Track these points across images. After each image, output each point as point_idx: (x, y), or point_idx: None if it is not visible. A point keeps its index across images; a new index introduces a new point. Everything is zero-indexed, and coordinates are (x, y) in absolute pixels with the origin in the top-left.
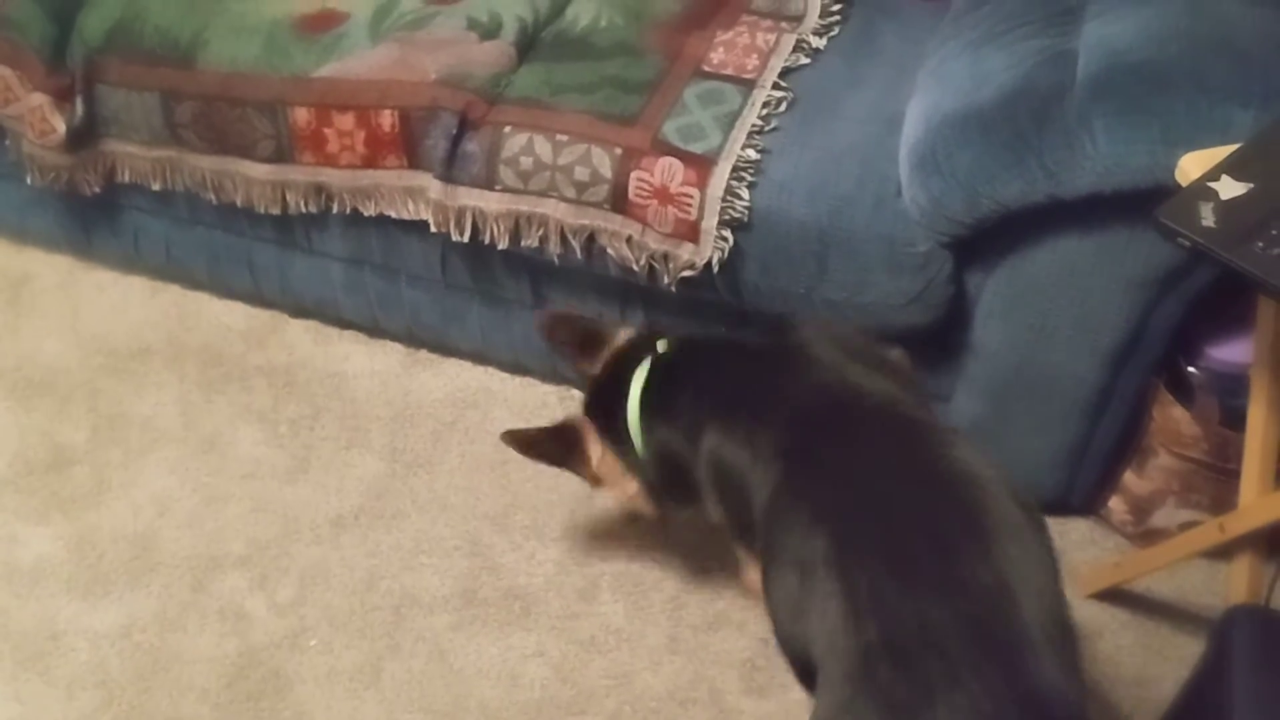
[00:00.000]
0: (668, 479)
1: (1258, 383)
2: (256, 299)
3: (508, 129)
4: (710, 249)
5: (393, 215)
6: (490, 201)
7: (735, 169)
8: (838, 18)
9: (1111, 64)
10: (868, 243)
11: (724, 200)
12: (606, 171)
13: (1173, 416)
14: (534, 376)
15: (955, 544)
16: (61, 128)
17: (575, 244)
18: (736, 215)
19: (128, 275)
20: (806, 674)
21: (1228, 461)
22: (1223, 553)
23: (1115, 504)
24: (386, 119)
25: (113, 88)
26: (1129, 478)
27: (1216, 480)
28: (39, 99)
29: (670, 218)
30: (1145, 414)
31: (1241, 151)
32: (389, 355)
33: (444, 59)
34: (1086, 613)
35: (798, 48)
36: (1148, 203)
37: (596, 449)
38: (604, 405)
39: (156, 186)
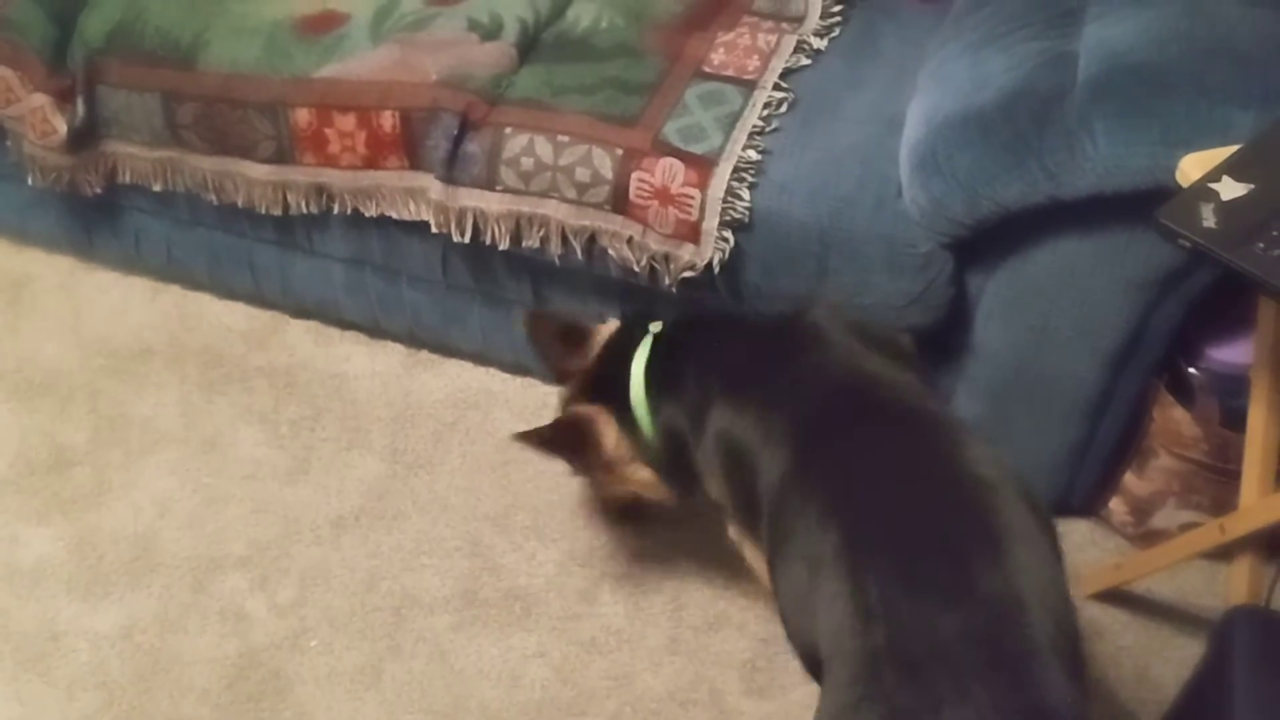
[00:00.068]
0: (675, 456)
1: (1258, 384)
2: (257, 300)
3: (509, 130)
4: (711, 250)
5: (394, 216)
6: (491, 202)
7: (736, 170)
8: (838, 19)
9: (1112, 66)
10: (868, 243)
11: (725, 201)
12: (607, 172)
13: (1173, 417)
14: (535, 377)
15: (967, 550)
16: (63, 128)
17: (576, 245)
18: (737, 216)
19: (129, 276)
20: (814, 665)
21: (1228, 462)
22: (1223, 554)
23: (1116, 505)
24: (387, 120)
25: (114, 89)
26: (1129, 479)
27: (1217, 481)
28: (40, 100)
29: (671, 218)
30: (1146, 415)
31: (1242, 153)
32: (390, 356)
33: (445, 60)
34: (1087, 614)
35: (799, 49)
36: (1148, 204)
37: (611, 434)
38: (604, 393)
39: (157, 187)
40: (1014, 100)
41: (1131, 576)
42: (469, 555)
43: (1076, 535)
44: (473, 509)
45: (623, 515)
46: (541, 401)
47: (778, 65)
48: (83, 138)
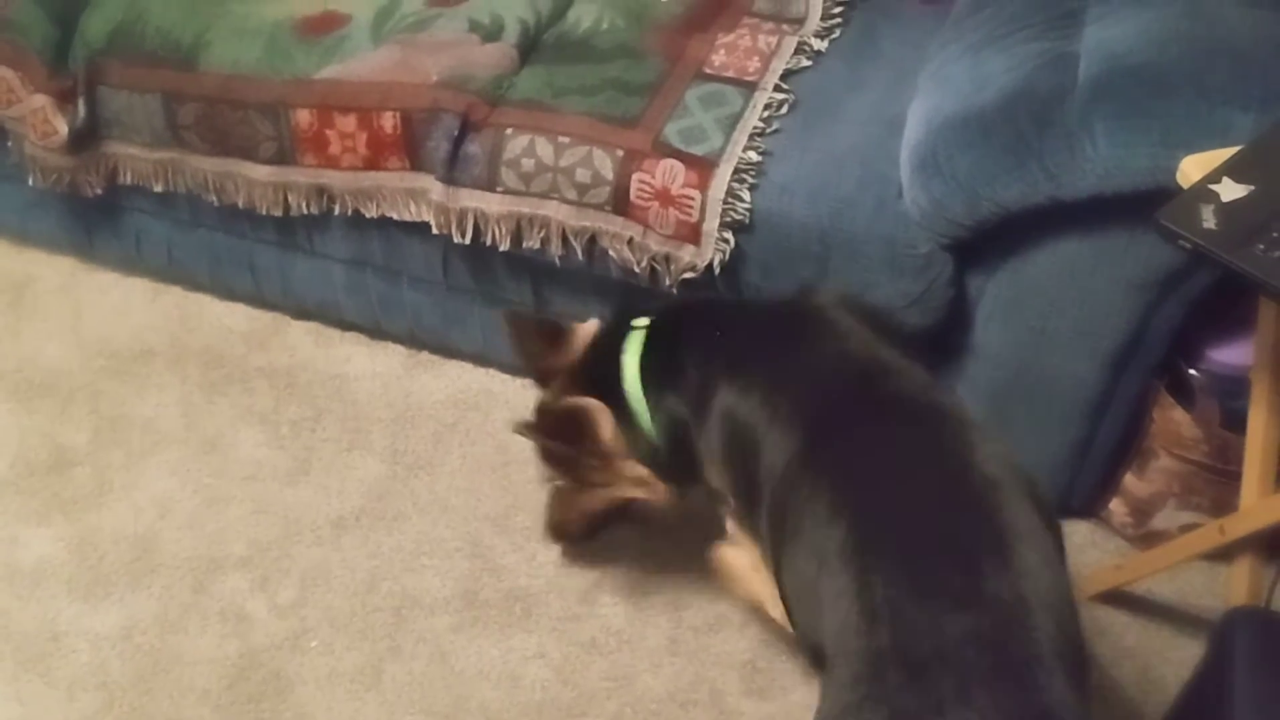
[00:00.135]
0: (677, 445)
1: (1258, 385)
2: (258, 301)
3: (509, 131)
4: (711, 251)
5: (394, 217)
6: (492, 203)
7: (736, 171)
8: (839, 20)
9: (1112, 67)
10: (869, 245)
11: (725, 202)
12: (608, 173)
13: (1173, 419)
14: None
15: (975, 552)
16: (63, 129)
17: (577, 246)
18: (738, 217)
19: (129, 277)
20: (818, 658)
21: (1228, 464)
22: (1223, 555)
23: (1116, 506)
24: (388, 121)
25: (115, 89)
26: (1129, 480)
27: (1217, 482)
28: (41, 101)
29: (671, 219)
30: (1146, 416)
31: (1242, 154)
32: (390, 357)
33: (446, 61)
34: (1088, 615)
35: (799, 50)
36: (1148, 205)
37: (609, 425)
38: (592, 389)
39: (158, 188)
40: (1014, 101)
41: (1132, 577)
42: (469, 556)
43: (1077, 536)
44: (473, 510)
45: (586, 534)
46: None
47: (778, 66)
48: (84, 139)
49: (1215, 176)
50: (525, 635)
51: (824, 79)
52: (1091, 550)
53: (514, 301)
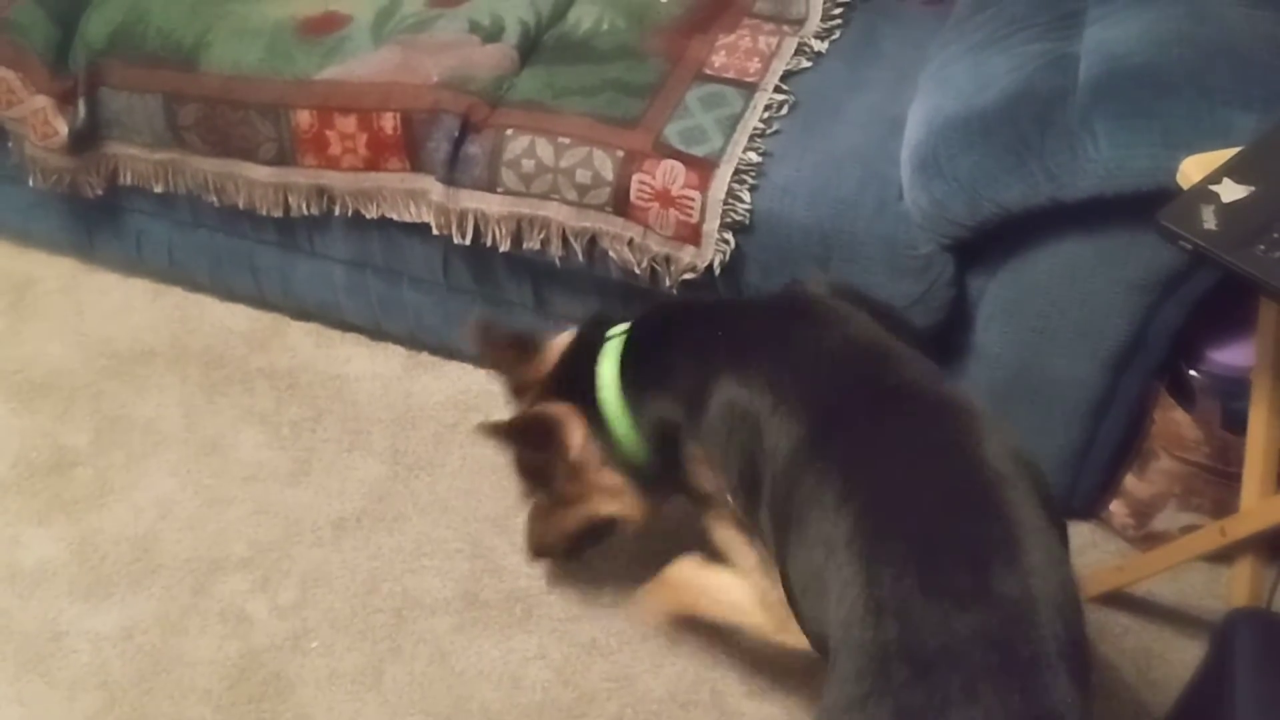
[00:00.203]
0: (662, 451)
1: (1259, 386)
2: (259, 302)
3: (510, 132)
4: (712, 251)
5: (395, 218)
6: (492, 204)
7: (737, 172)
8: (839, 21)
9: (1113, 68)
10: (869, 245)
11: (725, 203)
12: (608, 174)
13: (1174, 420)
14: None
15: (985, 549)
16: (64, 130)
17: (577, 246)
18: (738, 218)
19: (130, 278)
20: (822, 648)
21: (1229, 465)
22: (1224, 556)
23: (1116, 507)
24: (389, 122)
25: (115, 90)
26: (1130, 481)
27: (1218, 483)
28: (42, 101)
29: (672, 220)
30: (1146, 417)
31: (1243, 155)
32: (391, 358)
33: (446, 62)
34: (1089, 616)
35: (799, 51)
36: (1149, 206)
37: (579, 433)
38: (567, 398)
39: (159, 189)
40: (1015, 102)
41: (1133, 579)
42: (470, 557)
43: (1078, 538)
44: (474, 510)
45: (568, 552)
46: None
47: (779, 67)
48: (84, 139)
49: (1216, 177)
50: (526, 636)
51: (824, 80)
52: (1092, 551)
53: (514, 303)
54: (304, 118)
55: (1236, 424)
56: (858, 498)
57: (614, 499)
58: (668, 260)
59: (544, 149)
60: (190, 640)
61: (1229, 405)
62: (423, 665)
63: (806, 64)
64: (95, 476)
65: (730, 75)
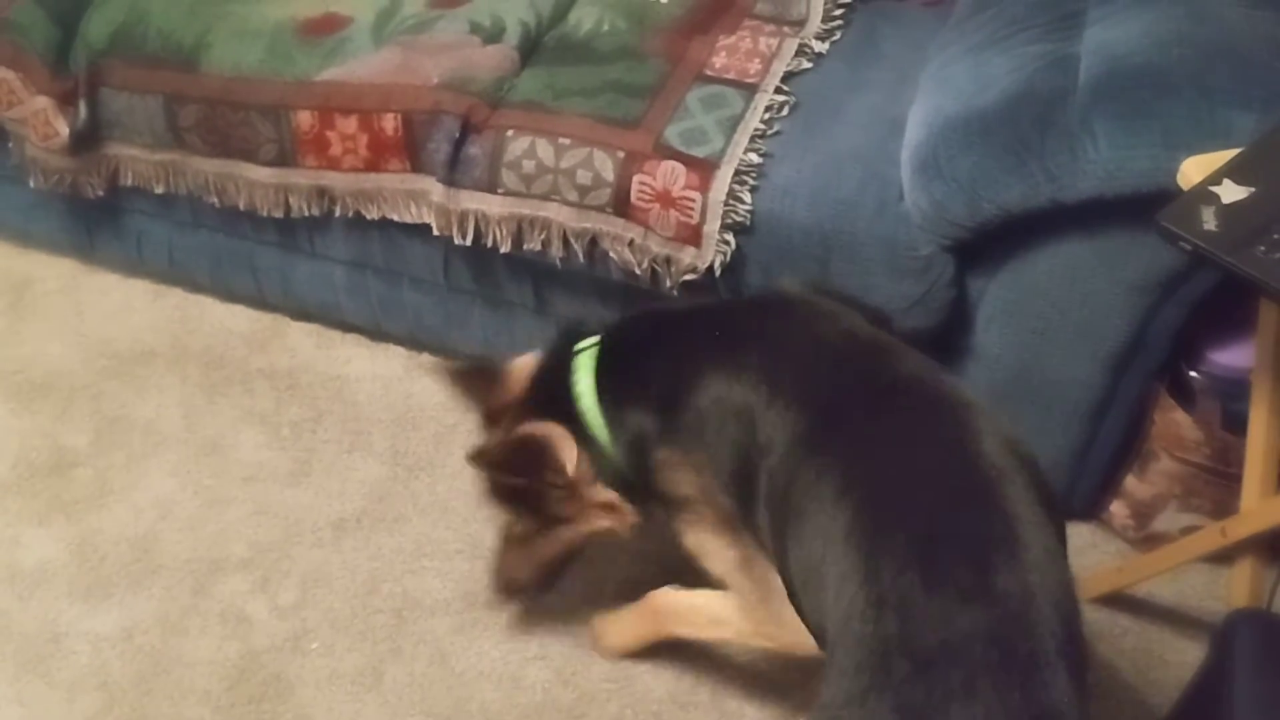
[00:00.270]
0: (640, 460)
1: (1259, 387)
2: (259, 302)
3: (510, 133)
4: (712, 252)
5: (395, 219)
6: (493, 205)
7: (737, 173)
8: (840, 22)
9: (1113, 68)
10: (869, 246)
11: (726, 204)
12: (609, 175)
13: (1174, 421)
14: None
15: (985, 545)
16: (65, 131)
17: (578, 247)
18: (738, 219)
19: (130, 279)
20: (824, 640)
21: (1229, 466)
22: (1224, 557)
23: (1117, 508)
24: (389, 123)
25: (116, 91)
26: (1130, 482)
27: (1218, 484)
28: (42, 102)
29: (672, 221)
30: (1147, 418)
31: (1243, 156)
32: (391, 359)
33: (447, 63)
34: (1088, 617)
35: (800, 52)
36: (1149, 207)
37: (571, 450)
38: (548, 416)
39: (159, 190)
40: (1016, 103)
41: (1133, 580)
42: (470, 557)
43: (1078, 538)
44: (474, 511)
45: (542, 585)
46: None
47: (779, 68)
48: (85, 140)
49: (1216, 178)
50: (526, 636)
51: (825, 81)
52: (1092, 552)
53: (515, 303)
54: (304, 119)
55: (1237, 425)
56: (857, 491)
57: (608, 514)
58: (668, 261)
59: (544, 150)
60: (190, 641)
61: (1229, 406)
62: (423, 666)
63: (807, 65)
64: (95, 477)
65: (731, 76)
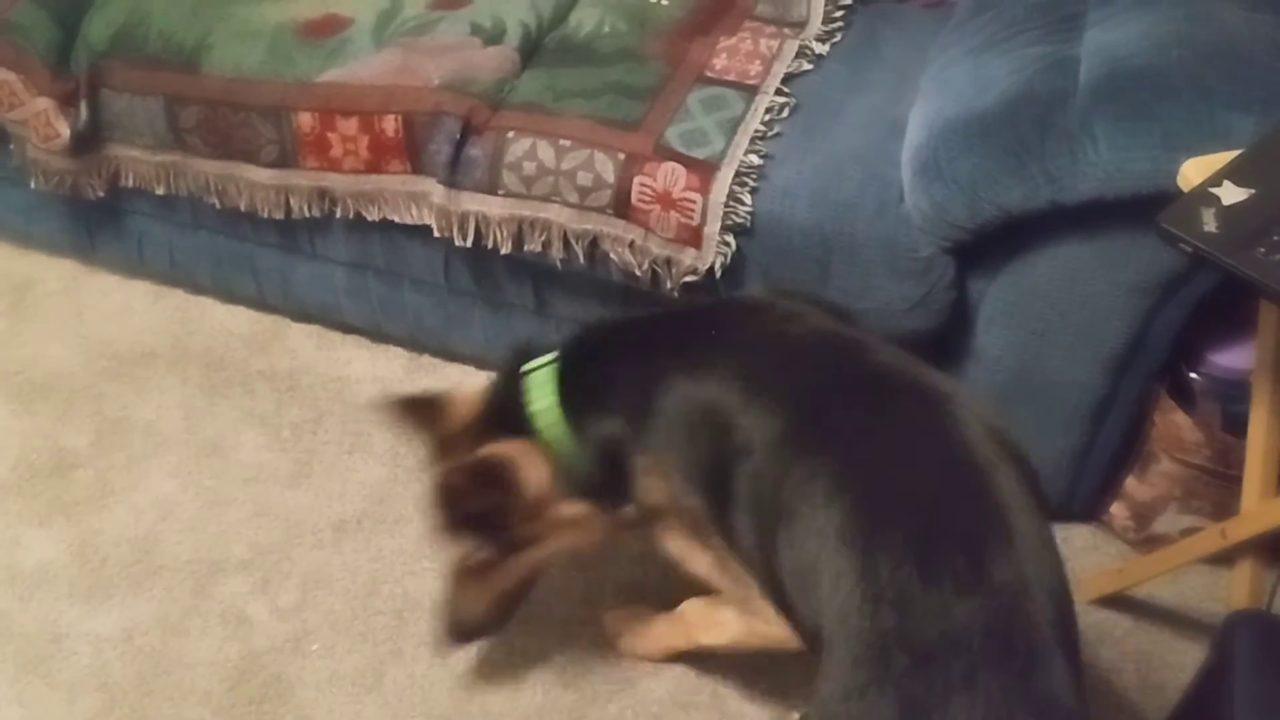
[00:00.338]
0: (611, 467)
1: (1259, 388)
2: (260, 304)
3: (511, 134)
4: (713, 254)
5: (396, 220)
6: (493, 206)
7: (738, 174)
8: (840, 24)
9: (1113, 70)
10: (870, 248)
11: (726, 205)
12: (609, 176)
13: (1174, 422)
14: None
15: (979, 536)
16: (66, 132)
17: (578, 249)
18: (739, 220)
19: (131, 280)
20: (816, 643)
21: (1229, 467)
22: (1225, 558)
23: (1117, 510)
24: (390, 124)
25: (117, 92)
26: (1131, 484)
27: (1218, 486)
28: (43, 103)
29: (673, 223)
30: (1147, 420)
31: (1243, 157)
32: (392, 360)
33: (448, 64)
34: (1089, 619)
35: (800, 53)
36: (1149, 209)
37: (535, 470)
38: (504, 438)
39: (160, 191)
40: (1016, 104)
41: (1133, 581)
42: None
43: (1078, 540)
44: None
45: (498, 620)
46: None
47: (780, 70)
48: (86, 142)
49: (1216, 180)
50: (527, 638)
51: (825, 82)
52: (1093, 554)
53: (515, 305)
54: (305, 120)
55: (1237, 426)
56: (849, 489)
57: (576, 529)
58: (669, 262)
59: (545, 151)
60: (190, 642)
61: (1229, 408)
62: (423, 667)
63: (807, 66)
64: (96, 478)
65: (731, 78)
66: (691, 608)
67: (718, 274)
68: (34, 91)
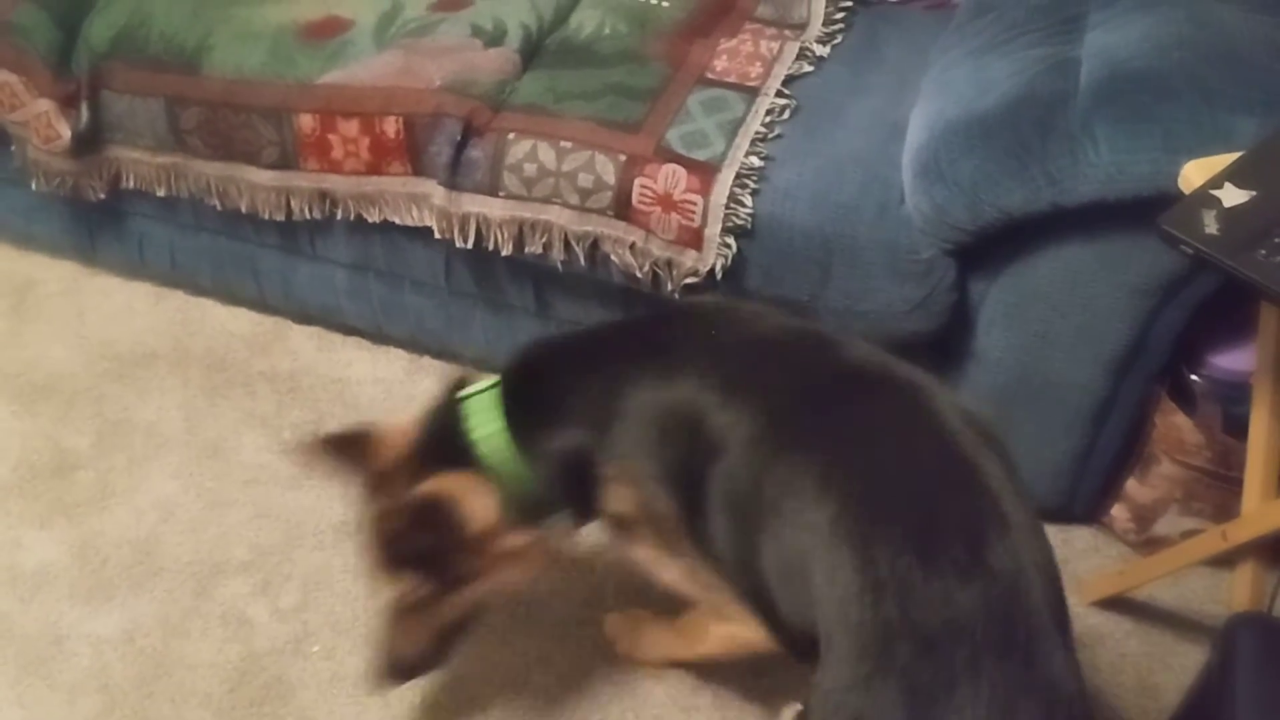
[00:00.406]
0: (571, 481)
1: (1260, 390)
2: (261, 305)
3: (512, 136)
4: (714, 256)
5: (397, 222)
6: (494, 208)
7: (739, 176)
8: (841, 25)
9: (1114, 72)
10: (871, 250)
11: (727, 207)
12: (610, 178)
13: (1175, 424)
14: None
15: (977, 524)
16: (67, 134)
17: (579, 251)
18: (740, 222)
19: (132, 281)
20: (801, 643)
21: (1230, 469)
22: (1225, 560)
23: (1118, 512)
24: (391, 126)
25: (118, 94)
26: (1132, 486)
27: (1219, 488)
28: (45, 105)
29: (674, 224)
30: (1148, 422)
31: (1244, 159)
32: (393, 362)
33: (448, 66)
34: (1090, 621)
35: (801, 55)
36: (1150, 211)
37: (479, 502)
38: (443, 468)
39: (161, 192)
40: (1017, 106)
41: (1134, 583)
42: None
43: (1079, 542)
44: None
45: (436, 657)
46: None
47: (780, 72)
48: (87, 143)
49: (1217, 182)
50: (528, 639)
51: (826, 84)
52: (1093, 556)
53: (516, 306)
54: (306, 121)
55: (1238, 428)
56: (838, 483)
57: (520, 559)
58: (669, 264)
59: (546, 153)
60: (191, 643)
61: (1230, 410)
62: None
63: (808, 68)
64: (96, 479)
65: (732, 79)
66: (686, 619)
67: (718, 276)
68: (35, 93)
